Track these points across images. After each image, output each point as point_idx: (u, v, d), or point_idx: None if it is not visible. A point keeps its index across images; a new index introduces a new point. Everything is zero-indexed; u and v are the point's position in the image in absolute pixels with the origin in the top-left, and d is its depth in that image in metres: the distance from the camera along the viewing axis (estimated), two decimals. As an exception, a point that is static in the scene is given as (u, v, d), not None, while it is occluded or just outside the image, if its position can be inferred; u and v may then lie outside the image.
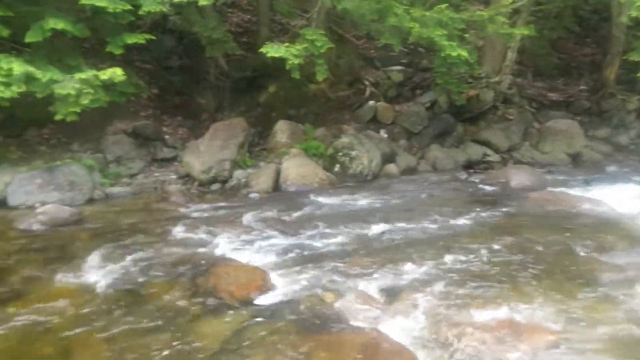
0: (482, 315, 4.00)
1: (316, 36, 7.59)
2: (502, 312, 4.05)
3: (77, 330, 3.89)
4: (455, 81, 9.93)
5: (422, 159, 9.93)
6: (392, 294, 4.40)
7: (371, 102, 10.90)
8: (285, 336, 3.73)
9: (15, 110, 8.15)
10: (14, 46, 7.26)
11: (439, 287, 4.51)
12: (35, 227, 6.27)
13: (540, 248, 5.48)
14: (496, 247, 5.47)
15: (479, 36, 9.75)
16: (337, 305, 4.20)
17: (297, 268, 5.00)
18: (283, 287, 4.55)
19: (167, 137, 9.55)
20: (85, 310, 4.18)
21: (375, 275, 4.77)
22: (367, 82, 11.30)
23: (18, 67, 6.36)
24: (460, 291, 4.43)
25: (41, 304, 4.30)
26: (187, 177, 8.50)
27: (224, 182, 8.34)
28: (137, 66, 10.20)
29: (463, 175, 9.27)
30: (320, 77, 8.18)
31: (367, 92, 11.10)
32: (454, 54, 7.67)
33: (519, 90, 11.77)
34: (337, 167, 8.78)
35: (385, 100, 11.13)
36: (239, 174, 8.46)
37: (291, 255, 5.36)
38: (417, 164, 9.69)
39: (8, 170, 7.59)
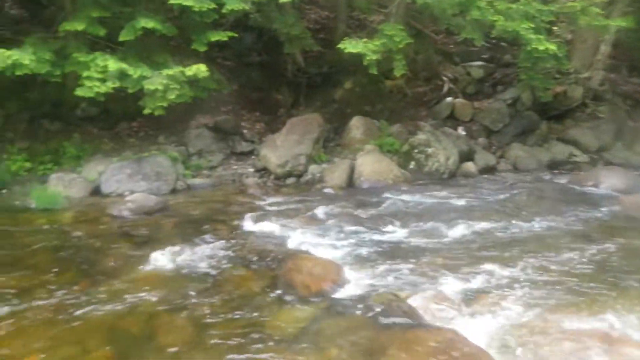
0: (568, 322, 3.78)
1: (395, 31, 7.50)
2: (590, 320, 3.80)
3: (162, 311, 4.10)
4: (541, 77, 9.44)
5: (502, 158, 9.55)
6: (470, 295, 4.27)
7: (449, 99, 10.63)
8: (359, 331, 3.72)
9: (108, 105, 8.74)
10: (109, 45, 7.78)
11: (521, 290, 4.31)
12: (125, 213, 6.68)
13: (634, 255, 5.08)
14: (584, 252, 5.15)
15: (569, 29, 9.19)
16: (412, 302, 4.13)
17: (372, 264, 4.98)
18: (357, 281, 4.54)
19: (245, 131, 9.84)
20: (169, 292, 4.40)
21: (453, 275, 4.64)
22: (445, 78, 11.02)
23: (113, 64, 6.80)
24: (545, 296, 4.21)
25: (130, 284, 4.58)
26: (263, 171, 8.72)
27: (299, 176, 8.47)
28: (219, 63, 10.59)
29: (547, 176, 8.81)
30: (398, 73, 8.09)
31: (445, 88, 10.83)
32: (541, 47, 7.29)
33: (612, 87, 10.99)
34: (412, 165, 8.64)
35: (463, 96, 10.81)
36: (313, 168, 8.55)
37: (365, 250, 5.35)
38: (496, 162, 9.34)
39: (102, 160, 8.16)
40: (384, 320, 3.88)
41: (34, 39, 7.26)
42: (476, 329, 3.76)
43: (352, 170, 8.29)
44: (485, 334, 3.70)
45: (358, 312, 3.99)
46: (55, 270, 4.92)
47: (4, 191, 7.78)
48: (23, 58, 6.37)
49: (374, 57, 7.16)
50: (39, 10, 9.54)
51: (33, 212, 6.89)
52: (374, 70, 7.53)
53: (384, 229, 6.01)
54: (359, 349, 3.53)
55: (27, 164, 8.14)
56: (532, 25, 7.30)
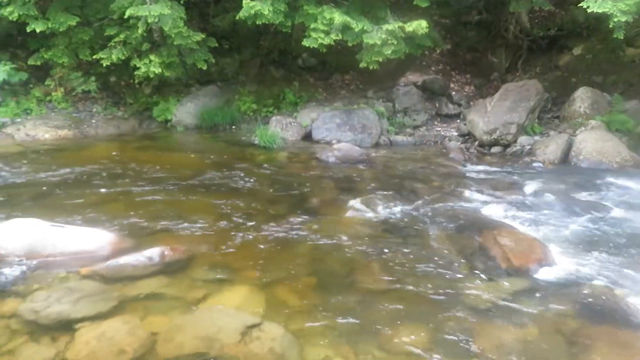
0: None
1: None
2: None
3: (359, 254, 4.33)
4: None
5: None
6: None
7: None
8: (564, 318, 3.43)
9: (326, 56, 9.28)
10: (334, -2, 8.14)
11: None
12: (331, 160, 7.14)
13: None
14: None
15: None
16: (629, 300, 3.64)
17: (582, 250, 4.49)
18: (566, 266, 4.15)
19: (453, 93, 9.56)
20: (367, 239, 4.62)
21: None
22: None
23: (338, 17, 7.12)
24: None
25: (332, 225, 4.92)
26: (467, 136, 8.41)
27: (506, 146, 7.96)
28: (435, 20, 10.31)
29: None
30: (648, 40, 6.87)
31: None
32: None
33: None
34: (646, 148, 7.42)
35: None
36: (523, 140, 7.94)
37: (577, 235, 4.84)
38: None
39: (315, 108, 8.78)
40: (592, 312, 3.51)
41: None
42: None
43: (569, 146, 7.47)
44: None
45: (564, 299, 3.66)
46: (271, 201, 5.53)
47: (234, 127, 8.95)
48: (263, 9, 7.06)
49: (624, 18, 6.15)
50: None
51: (255, 148, 7.81)
52: (620, 35, 6.49)
53: (600, 216, 5.34)
54: (561, 336, 3.27)
55: (254, 106, 9.19)
56: None
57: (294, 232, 4.71)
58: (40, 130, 8.03)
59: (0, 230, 4.04)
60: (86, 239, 4.09)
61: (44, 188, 5.63)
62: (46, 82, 8.99)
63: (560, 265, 4.18)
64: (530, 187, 6.19)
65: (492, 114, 8.04)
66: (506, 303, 3.62)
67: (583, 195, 5.98)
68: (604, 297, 3.63)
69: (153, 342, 3.05)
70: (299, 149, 7.82)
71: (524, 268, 4.05)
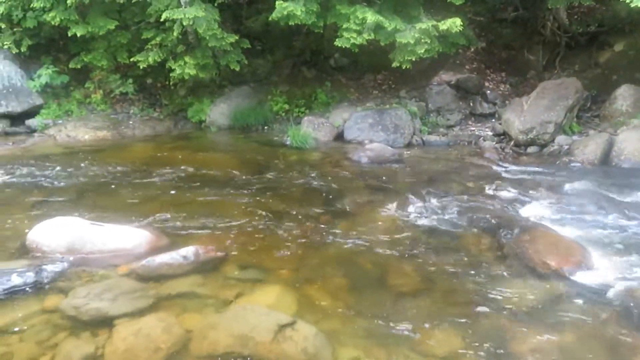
0: None
1: None
2: None
3: (392, 255, 4.30)
4: None
5: None
6: None
7: None
8: (605, 324, 3.33)
9: (358, 56, 9.26)
10: (366, -3, 8.10)
11: None
12: (363, 160, 7.12)
13: None
14: None
15: None
16: (676, 309, 3.50)
17: (623, 253, 4.33)
18: (606, 270, 4.01)
19: (488, 92, 9.38)
20: (400, 239, 4.58)
21: None
22: None
23: (371, 16, 7.09)
24: None
25: (365, 226, 4.90)
26: (503, 136, 8.23)
27: (543, 145, 7.75)
28: (469, 18, 10.14)
29: None
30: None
31: None
32: None
33: None
34: (694, 148, 7.09)
35: None
36: (561, 139, 7.72)
37: (617, 237, 4.67)
38: None
39: (347, 109, 8.77)
40: (633, 318, 3.39)
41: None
42: None
43: (610, 146, 7.22)
44: None
45: (603, 303, 3.55)
46: (303, 201, 5.55)
47: (266, 128, 9.03)
48: (296, 9, 7.09)
49: (667, 13, 5.90)
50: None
51: (287, 148, 7.86)
52: (663, 30, 6.25)
53: (642, 218, 5.15)
54: (600, 341, 3.18)
55: (286, 106, 9.25)
56: None
57: (326, 233, 4.72)
58: (80, 131, 8.30)
59: (43, 228, 4.19)
60: (124, 238, 4.20)
61: (84, 187, 5.81)
62: (86, 85, 9.29)
63: (599, 269, 4.05)
64: (568, 187, 6.01)
65: (528, 113, 7.85)
66: (543, 306, 3.54)
67: (623, 197, 5.77)
68: (647, 303, 3.50)
69: (187, 340, 3.11)
70: (331, 149, 7.82)
71: (561, 271, 3.94)
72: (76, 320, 3.26)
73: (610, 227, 4.90)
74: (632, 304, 3.52)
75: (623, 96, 8.10)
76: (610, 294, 3.68)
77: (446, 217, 5.08)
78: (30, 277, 3.64)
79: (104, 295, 3.49)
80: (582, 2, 8.44)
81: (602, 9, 9.87)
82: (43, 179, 6.06)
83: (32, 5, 8.20)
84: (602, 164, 7.10)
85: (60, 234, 4.11)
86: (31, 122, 8.54)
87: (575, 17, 10.08)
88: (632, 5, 6.10)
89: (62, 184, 5.92)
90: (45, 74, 8.83)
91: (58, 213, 4.66)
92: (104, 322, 3.23)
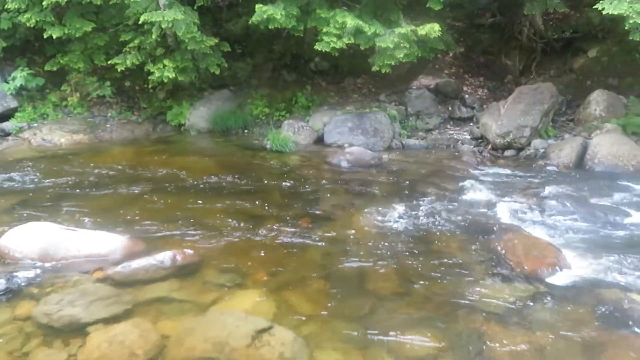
0: None
1: (671, -11, 6.22)
2: None
3: (371, 259, 4.30)
4: None
5: None
6: None
7: None
8: (579, 324, 3.38)
9: (338, 60, 9.29)
10: (346, 2, 8.12)
11: None
12: (343, 164, 7.13)
13: None
14: None
15: None
16: (647, 307, 3.57)
17: (597, 254, 4.41)
18: (580, 270, 4.09)
19: (466, 96, 9.49)
20: (379, 242, 4.59)
21: None
22: None
23: (350, 20, 7.12)
24: None
25: (344, 229, 4.91)
26: (480, 139, 8.34)
27: (520, 149, 7.87)
28: (448, 23, 10.27)
29: None
30: (664, 41, 6.75)
31: None
32: None
33: None
34: (663, 152, 7.27)
35: None
36: (537, 143, 7.85)
37: (591, 239, 4.77)
38: None
39: (327, 112, 8.77)
40: (610, 319, 3.46)
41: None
42: None
43: (584, 149, 7.37)
44: None
45: (579, 304, 3.61)
46: (282, 205, 5.54)
47: (246, 131, 8.99)
48: (276, 13, 7.09)
49: (640, 20, 6.06)
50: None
51: (267, 152, 7.83)
52: (636, 37, 6.39)
53: (616, 220, 5.25)
54: (576, 342, 3.22)
55: (266, 110, 9.22)
56: None
57: (305, 237, 4.71)
58: (56, 134, 8.15)
59: (16, 233, 4.10)
60: (99, 243, 4.14)
61: (59, 192, 5.70)
62: (62, 87, 9.13)
63: (574, 270, 4.12)
64: (544, 191, 6.09)
65: (505, 117, 7.96)
66: (520, 308, 3.58)
67: (598, 199, 5.89)
68: (619, 302, 3.56)
69: (164, 346, 3.07)
70: (311, 153, 7.82)
71: (537, 272, 4.01)
72: (48, 327, 3.20)
73: (584, 229, 5.00)
74: (605, 304, 3.58)
75: (596, 101, 8.28)
76: (584, 294, 3.74)
77: (424, 220, 5.11)
78: (1, 284, 3.56)
79: (78, 302, 3.42)
80: (557, 8, 8.61)
81: (576, 16, 10.09)
82: (16, 184, 5.94)
83: (6, 6, 8.04)
84: (576, 167, 7.23)
85: (32, 239, 4.02)
86: (5, 125, 8.36)
87: (551, 23, 10.27)
88: (605, 12, 6.25)
89: (35, 188, 5.80)
90: (20, 76, 8.66)
91: (31, 218, 4.57)
92: (78, 329, 3.17)
